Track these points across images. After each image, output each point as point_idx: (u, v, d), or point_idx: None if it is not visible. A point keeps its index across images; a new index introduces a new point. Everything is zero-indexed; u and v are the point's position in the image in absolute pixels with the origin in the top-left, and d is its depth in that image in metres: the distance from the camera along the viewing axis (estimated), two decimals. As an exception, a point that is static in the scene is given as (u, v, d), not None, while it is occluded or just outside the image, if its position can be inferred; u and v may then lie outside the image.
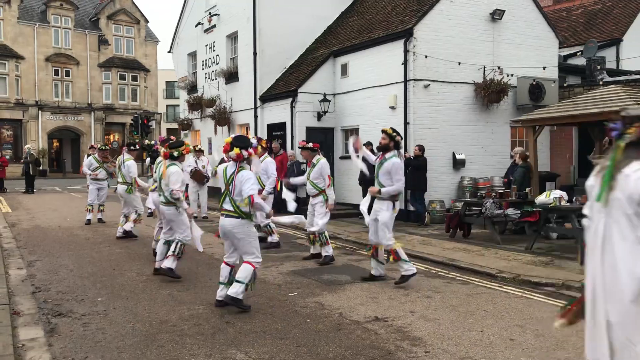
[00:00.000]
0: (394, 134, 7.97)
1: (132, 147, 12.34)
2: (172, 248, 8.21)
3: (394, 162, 7.81)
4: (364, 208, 8.20)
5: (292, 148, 16.85)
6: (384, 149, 7.99)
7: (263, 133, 18.65)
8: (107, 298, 7.27)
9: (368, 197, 8.27)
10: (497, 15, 15.48)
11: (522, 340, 5.67)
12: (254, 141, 6.79)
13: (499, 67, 15.46)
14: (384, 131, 8.07)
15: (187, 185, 13.08)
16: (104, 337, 5.73)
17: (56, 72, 39.55)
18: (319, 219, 9.52)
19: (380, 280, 8.15)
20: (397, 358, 5.16)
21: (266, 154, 10.81)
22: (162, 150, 9.70)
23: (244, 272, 6.54)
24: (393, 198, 7.86)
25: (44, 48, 38.75)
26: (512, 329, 6.01)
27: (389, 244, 7.83)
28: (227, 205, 6.59)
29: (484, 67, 15.36)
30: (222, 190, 6.69)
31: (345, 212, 15.67)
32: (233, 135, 7.06)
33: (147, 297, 7.35)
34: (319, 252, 9.70)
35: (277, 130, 18.01)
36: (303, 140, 10.27)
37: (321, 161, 9.65)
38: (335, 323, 6.20)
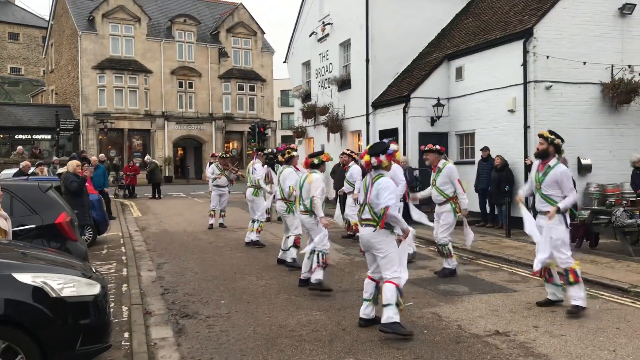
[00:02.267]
0: (552, 136, 7.02)
1: (263, 152, 12.64)
2: (314, 260, 8.05)
3: (562, 171, 6.92)
4: (532, 228, 7.10)
5: (404, 154, 16.71)
6: (542, 155, 7.07)
7: (375, 139, 18.63)
8: (229, 301, 7.59)
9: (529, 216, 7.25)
10: (626, 9, 14.42)
11: (662, 362, 5.23)
12: (393, 147, 6.32)
13: (629, 66, 14.37)
14: (540, 135, 7.12)
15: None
16: (227, 340, 5.99)
17: (180, 85, 41.99)
18: (442, 229, 9.01)
19: (558, 305, 7.15)
20: (520, 375, 4.94)
21: (353, 162, 10.58)
22: (280, 157, 10.03)
23: (388, 293, 5.95)
24: (564, 212, 6.93)
25: (170, 62, 41.29)
26: (649, 350, 5.55)
27: (569, 262, 6.86)
28: (366, 215, 6.24)
29: (612, 66, 14.36)
30: (361, 200, 6.41)
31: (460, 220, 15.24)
32: (373, 143, 6.84)
33: (266, 301, 7.59)
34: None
35: (389, 136, 17.91)
36: (429, 143, 9.42)
37: (448, 165, 9.01)
38: (454, 335, 6.05)
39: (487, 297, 7.73)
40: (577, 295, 6.79)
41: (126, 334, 6.16)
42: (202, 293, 8.07)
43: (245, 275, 9.29)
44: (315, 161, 8.23)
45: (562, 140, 7.12)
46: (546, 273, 7.18)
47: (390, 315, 5.90)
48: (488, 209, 14.89)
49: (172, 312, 7.13)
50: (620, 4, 14.43)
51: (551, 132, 7.11)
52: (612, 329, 6.25)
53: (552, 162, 6.99)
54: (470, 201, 15.54)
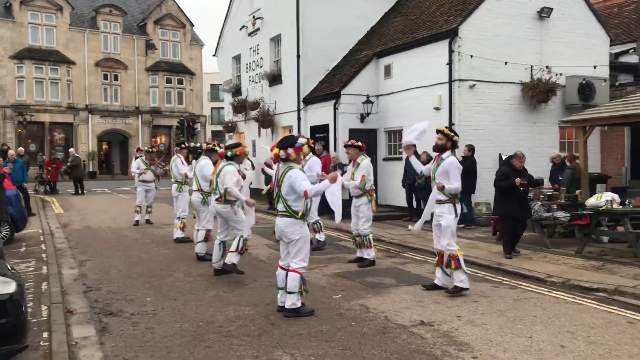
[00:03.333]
0: (451, 133, 7.68)
1: (182, 146, 12.67)
2: (234, 244, 8.35)
3: (451, 161, 7.51)
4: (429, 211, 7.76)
5: (335, 150, 16.86)
6: (440, 149, 7.65)
7: (306, 135, 18.68)
8: (155, 298, 7.42)
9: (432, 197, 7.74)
10: (544, 13, 15.13)
11: (573, 347, 5.52)
12: (301, 140, 6.51)
13: (547, 67, 15.10)
14: (440, 131, 7.69)
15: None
16: (153, 337, 5.85)
17: (105, 77, 40.63)
18: (362, 221, 9.40)
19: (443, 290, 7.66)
20: (443, 363, 5.10)
21: (311, 154, 10.75)
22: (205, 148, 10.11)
23: (292, 282, 6.46)
24: (453, 201, 7.52)
25: (94, 53, 39.87)
26: (562, 336, 5.86)
27: (452, 249, 7.50)
28: (280, 206, 6.55)
29: (532, 67, 15.04)
30: (276, 192, 6.65)
31: (388, 214, 15.58)
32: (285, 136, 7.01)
33: (194, 297, 7.47)
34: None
35: (320, 132, 18.04)
36: (352, 139, 9.95)
37: (365, 161, 9.45)
38: (381, 326, 6.17)
39: (413, 288, 7.92)
40: (458, 278, 7.51)
41: (45, 334, 5.91)
42: (127, 290, 7.85)
43: (172, 272, 9.10)
44: (229, 154, 8.40)
45: (459, 137, 7.85)
46: (440, 257, 7.67)
47: (293, 302, 6.47)
48: (415, 204, 15.24)
49: (95, 310, 6.89)
50: (538, 7, 15.12)
51: (450, 129, 7.77)
52: (529, 317, 6.54)
53: (445, 154, 7.60)
54: (397, 196, 16.05)
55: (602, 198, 9.97)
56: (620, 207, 9.83)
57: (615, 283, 7.87)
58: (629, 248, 10.11)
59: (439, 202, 7.57)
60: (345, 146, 9.79)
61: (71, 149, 30.33)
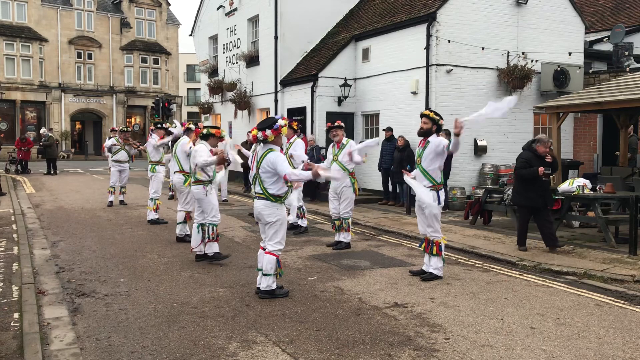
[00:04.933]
0: (437, 117, 7.34)
1: (158, 126, 12.59)
2: (206, 233, 8.25)
3: (440, 141, 7.21)
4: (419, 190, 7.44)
5: (312, 133, 16.83)
6: (426, 133, 7.36)
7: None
8: (129, 279, 7.37)
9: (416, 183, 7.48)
10: (522, -1, 15.23)
11: (543, 329, 5.63)
12: (281, 122, 6.40)
13: (523, 53, 15.22)
14: (424, 115, 7.39)
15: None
16: (127, 318, 5.81)
17: (79, 55, 39.85)
18: (345, 204, 9.35)
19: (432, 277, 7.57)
20: (416, 344, 5.16)
21: (296, 136, 10.69)
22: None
23: (268, 264, 6.45)
24: (437, 188, 7.38)
25: (67, 31, 39.03)
26: (532, 318, 5.97)
27: (436, 235, 7.43)
28: (257, 188, 6.49)
29: (508, 53, 15.13)
30: (253, 173, 6.59)
31: (365, 198, 15.64)
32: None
33: (168, 278, 7.43)
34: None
35: (297, 115, 17.97)
36: (337, 120, 9.82)
37: (351, 141, 9.40)
38: (355, 308, 6.22)
39: (388, 271, 7.99)
40: (435, 265, 7.51)
41: (16, 315, 5.83)
42: (100, 271, 7.78)
43: (147, 253, 9.04)
44: (204, 132, 8.33)
45: (443, 120, 7.58)
46: (427, 243, 7.59)
47: (269, 283, 6.51)
48: (390, 188, 15.33)
49: (68, 291, 6.82)
50: (516, -7, 15.19)
51: (435, 113, 7.49)
52: (501, 299, 6.65)
53: (432, 137, 7.35)
54: (373, 180, 16.10)
55: (574, 184, 10.14)
56: (591, 192, 10.00)
57: (585, 267, 8.03)
58: (599, 233, 10.32)
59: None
60: (333, 127, 9.61)
61: (43, 128, 29.78)
